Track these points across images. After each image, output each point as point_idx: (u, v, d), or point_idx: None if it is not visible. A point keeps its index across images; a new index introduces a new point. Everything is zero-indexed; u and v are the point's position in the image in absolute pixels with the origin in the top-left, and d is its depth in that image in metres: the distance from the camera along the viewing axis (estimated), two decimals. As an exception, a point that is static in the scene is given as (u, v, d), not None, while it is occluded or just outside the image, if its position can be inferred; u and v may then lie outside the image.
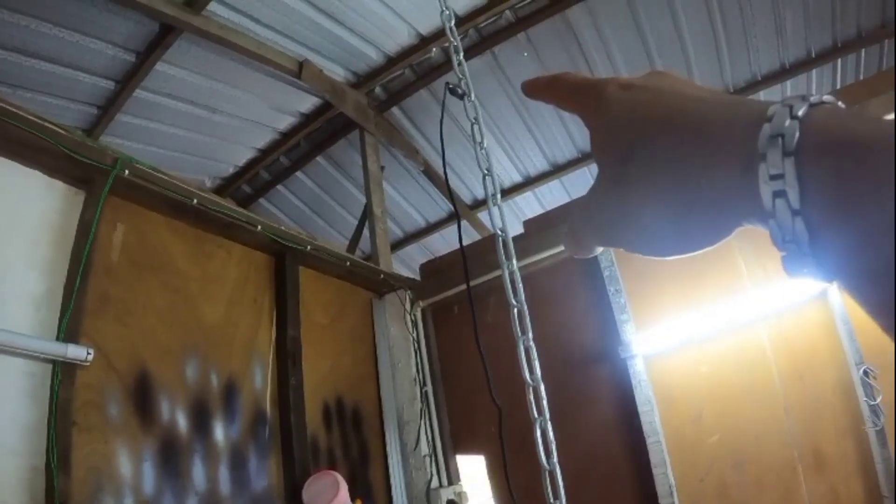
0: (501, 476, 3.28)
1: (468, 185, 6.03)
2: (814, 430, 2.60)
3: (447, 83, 1.51)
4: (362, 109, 4.73)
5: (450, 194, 1.86)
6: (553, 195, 6.22)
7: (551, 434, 1.16)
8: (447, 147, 1.99)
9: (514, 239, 1.71)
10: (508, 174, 5.88)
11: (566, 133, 5.43)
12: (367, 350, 3.66)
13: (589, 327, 3.23)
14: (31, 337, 1.92)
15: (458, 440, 3.54)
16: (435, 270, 3.85)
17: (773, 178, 0.29)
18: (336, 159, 5.51)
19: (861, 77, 5.12)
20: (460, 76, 1.46)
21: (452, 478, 3.43)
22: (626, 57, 4.67)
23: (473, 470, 3.48)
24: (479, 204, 6.27)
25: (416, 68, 4.67)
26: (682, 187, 0.35)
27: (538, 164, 5.85)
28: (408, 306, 3.71)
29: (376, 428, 3.48)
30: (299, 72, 4.26)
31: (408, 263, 6.76)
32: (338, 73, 4.59)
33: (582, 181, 5.96)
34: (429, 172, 5.58)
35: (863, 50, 4.87)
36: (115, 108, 4.22)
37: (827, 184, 0.28)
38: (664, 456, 2.82)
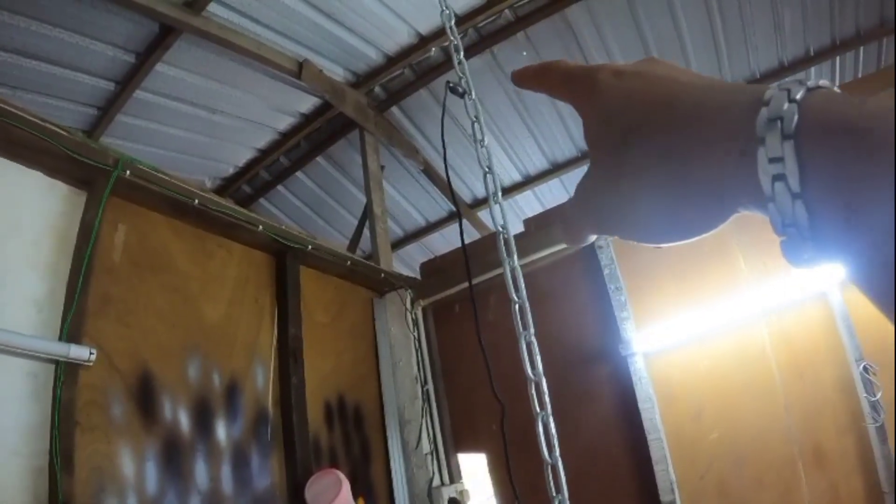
0: (503, 473, 3.29)
1: (468, 185, 6.04)
2: (814, 427, 2.60)
3: (448, 82, 1.51)
4: (362, 109, 4.73)
5: (451, 192, 1.86)
6: (553, 194, 6.23)
7: (553, 428, 1.16)
8: (447, 146, 1.99)
9: (515, 237, 1.71)
10: (508, 173, 5.88)
11: (565, 132, 5.43)
12: (368, 349, 3.67)
13: (589, 325, 3.24)
14: (33, 337, 1.92)
15: (460, 438, 3.54)
16: (435, 269, 3.86)
17: (771, 161, 0.29)
18: (336, 159, 5.52)
19: (860, 75, 5.12)
20: (461, 75, 1.47)
21: (454, 476, 3.44)
22: (626, 55, 4.67)
23: (475, 468, 3.49)
24: (479, 203, 6.28)
25: (416, 68, 4.67)
26: (677, 173, 0.35)
27: (538, 163, 5.85)
28: (408, 305, 3.72)
29: (378, 426, 3.48)
30: (299, 72, 4.26)
31: (408, 263, 6.76)
32: (337, 73, 4.59)
33: (582, 180, 5.95)
34: (429, 172, 5.59)
35: (861, 48, 4.87)
36: (115, 109, 4.23)
37: (827, 166, 0.28)
38: (665, 453, 2.82)
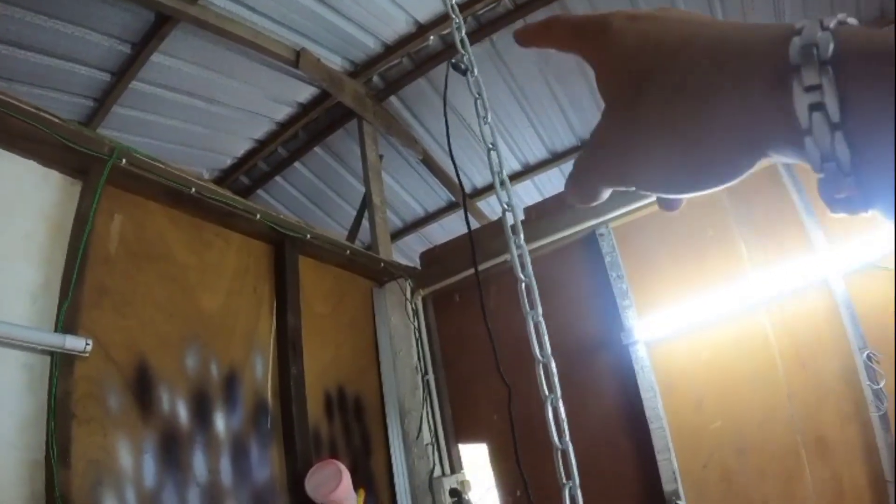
0: (505, 462, 3.29)
1: (468, 175, 6.00)
2: (817, 416, 2.59)
3: (450, 59, 1.49)
4: (360, 99, 4.70)
5: (455, 171, 1.84)
6: (552, 183, 6.20)
7: (563, 412, 1.14)
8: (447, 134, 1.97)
9: (515, 225, 1.69)
10: (507, 162, 5.85)
11: (565, 121, 5.40)
12: (368, 339, 3.65)
13: (591, 314, 3.22)
14: (28, 328, 1.90)
15: (460, 428, 3.54)
16: (435, 258, 3.84)
17: (808, 90, 0.26)
18: (334, 149, 5.49)
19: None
20: (463, 52, 1.44)
21: (455, 466, 3.43)
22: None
23: (476, 458, 3.48)
24: (479, 193, 6.25)
25: (414, 57, 4.63)
26: (699, 111, 0.32)
27: (537, 152, 5.82)
28: (408, 295, 3.70)
29: (378, 417, 3.47)
30: (297, 61, 4.23)
31: (407, 253, 6.75)
32: (335, 62, 4.56)
33: (582, 169, 5.92)
34: (427, 162, 5.56)
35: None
36: (111, 100, 4.20)
37: (870, 94, 0.25)
38: (667, 442, 2.81)
